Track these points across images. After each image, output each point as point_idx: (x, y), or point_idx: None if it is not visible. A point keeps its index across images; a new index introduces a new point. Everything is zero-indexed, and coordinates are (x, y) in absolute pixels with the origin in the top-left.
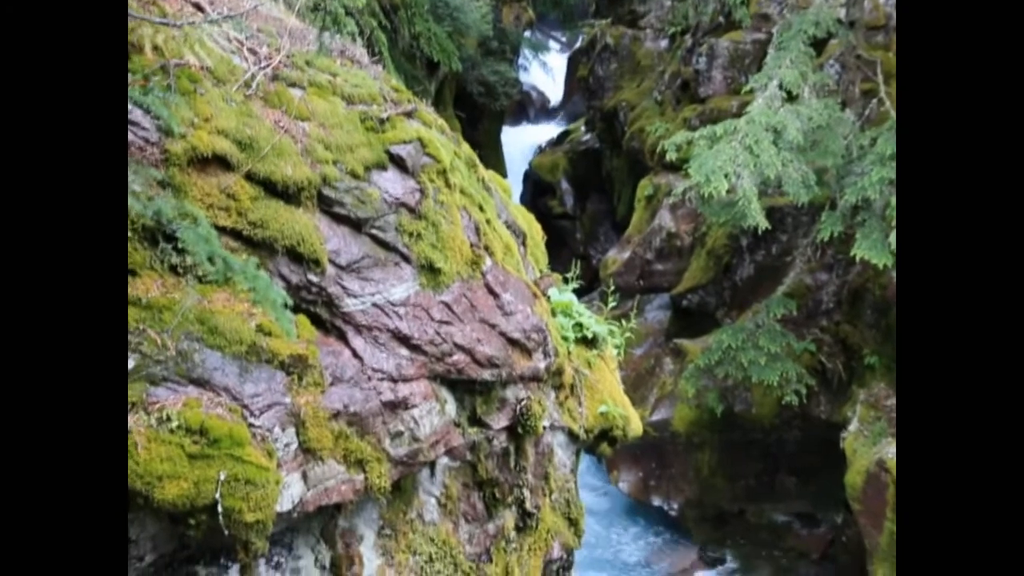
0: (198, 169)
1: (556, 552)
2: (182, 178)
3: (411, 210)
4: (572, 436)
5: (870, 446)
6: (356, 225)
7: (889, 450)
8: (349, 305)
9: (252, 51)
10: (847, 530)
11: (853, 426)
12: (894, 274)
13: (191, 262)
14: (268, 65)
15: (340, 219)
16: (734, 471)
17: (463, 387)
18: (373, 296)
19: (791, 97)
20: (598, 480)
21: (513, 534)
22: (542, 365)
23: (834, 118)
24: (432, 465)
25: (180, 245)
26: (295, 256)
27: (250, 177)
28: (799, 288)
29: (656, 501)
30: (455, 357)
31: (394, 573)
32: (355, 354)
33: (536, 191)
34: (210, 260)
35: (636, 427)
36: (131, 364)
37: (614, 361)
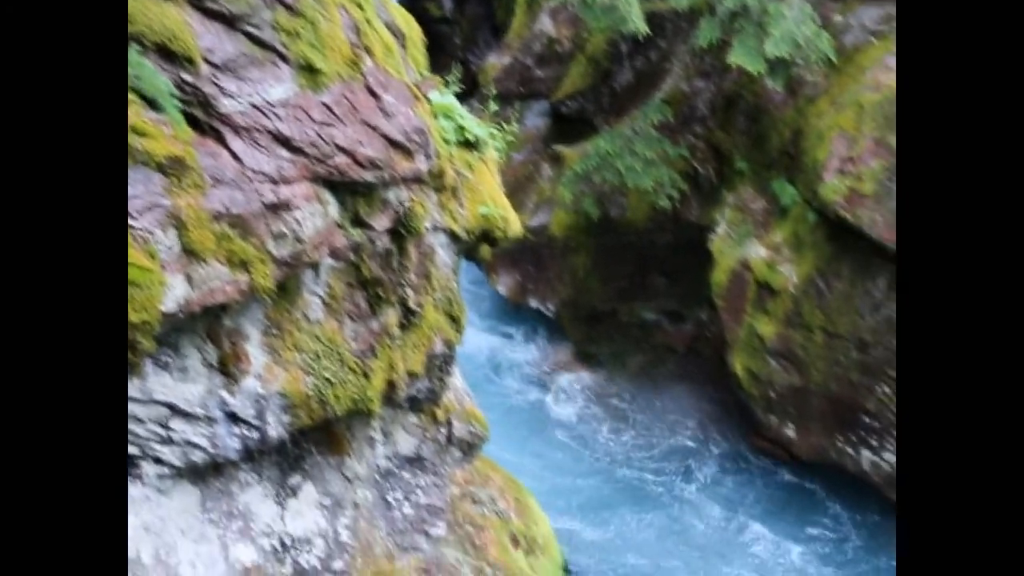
0: None
1: (438, 347)
2: None
3: (288, 7)
4: (453, 237)
5: (735, 247)
6: (230, 22)
7: (752, 250)
8: (226, 106)
9: None
10: (710, 326)
11: (721, 228)
12: (767, 82)
13: None
14: None
15: (213, 15)
16: (608, 273)
17: (345, 189)
18: (251, 97)
19: None
20: (478, 284)
21: (397, 331)
22: (424, 167)
23: None
24: (316, 266)
25: None
26: (167, 54)
27: None
28: (676, 95)
29: (533, 303)
30: (336, 159)
31: (281, 370)
32: (234, 156)
33: None
34: None
35: (516, 228)
36: None
37: (495, 164)
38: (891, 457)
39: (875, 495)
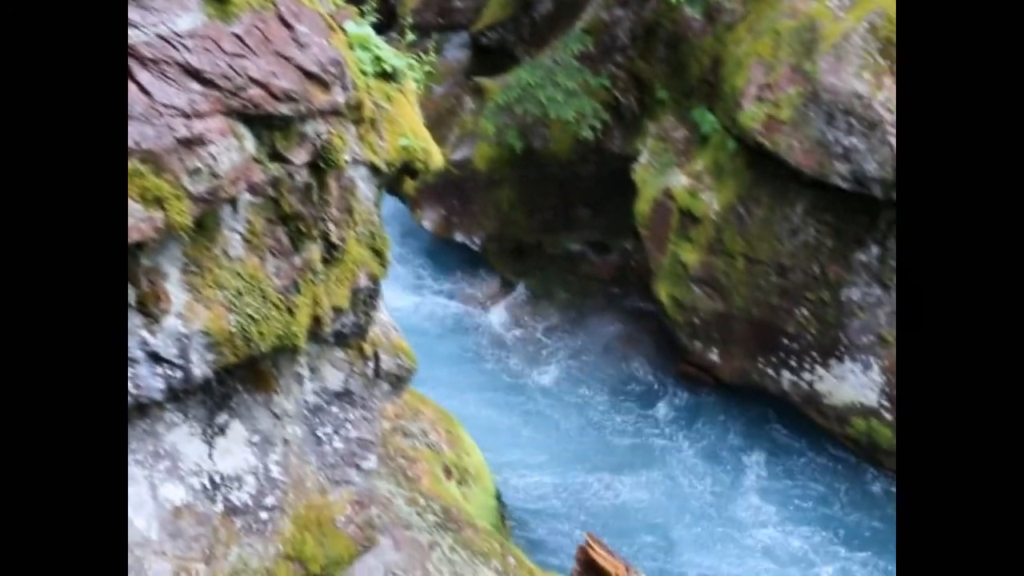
0: None
1: (363, 281)
2: None
3: None
4: (374, 170)
5: (658, 176)
6: None
7: (674, 179)
8: (131, 36)
9: None
10: (635, 255)
11: (643, 158)
12: (686, 9)
13: None
14: None
15: None
16: (532, 205)
17: (261, 123)
18: (156, 27)
19: None
20: (402, 219)
21: (320, 266)
22: (341, 99)
23: None
24: (234, 202)
25: None
26: None
27: None
28: (596, 24)
29: (459, 237)
30: (250, 92)
31: (203, 308)
32: (142, 89)
33: None
34: None
35: (437, 159)
36: None
37: (414, 95)
38: (809, 377)
39: (795, 413)
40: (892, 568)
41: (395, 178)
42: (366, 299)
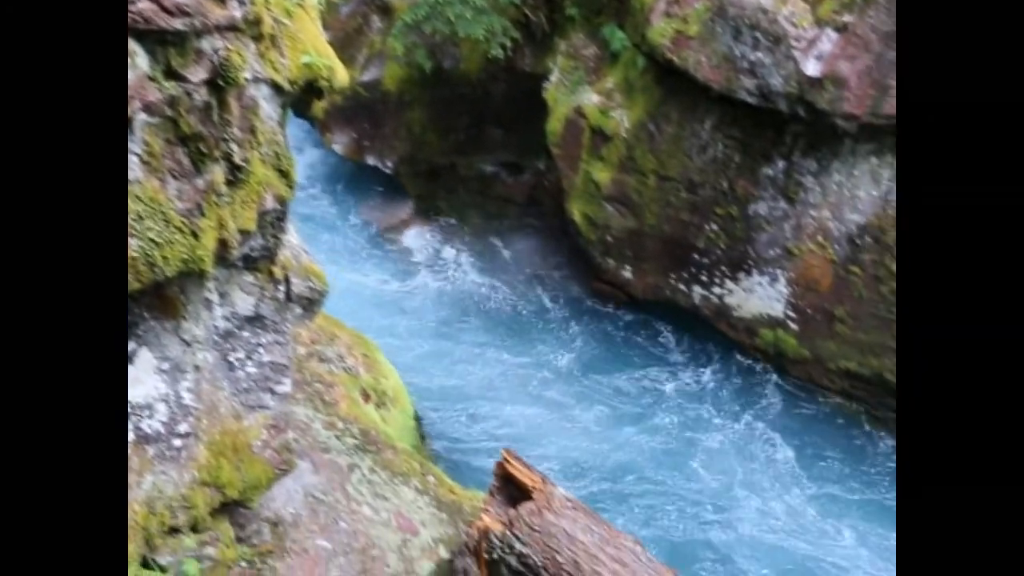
0: None
1: (269, 203)
2: None
3: None
4: (276, 88)
5: (569, 95)
6: None
7: (585, 97)
8: None
9: None
10: (548, 175)
11: (554, 76)
12: None
13: None
14: None
15: None
16: (444, 126)
17: (154, 39)
18: None
19: None
20: (313, 143)
21: (224, 188)
22: (238, 14)
23: None
24: (130, 122)
25: None
26: None
27: None
28: None
29: (371, 160)
30: (140, 5)
31: None
32: None
33: None
34: None
35: (342, 77)
36: None
37: (315, 10)
38: (719, 291)
39: (706, 326)
40: (792, 458)
41: (301, 99)
42: (273, 221)
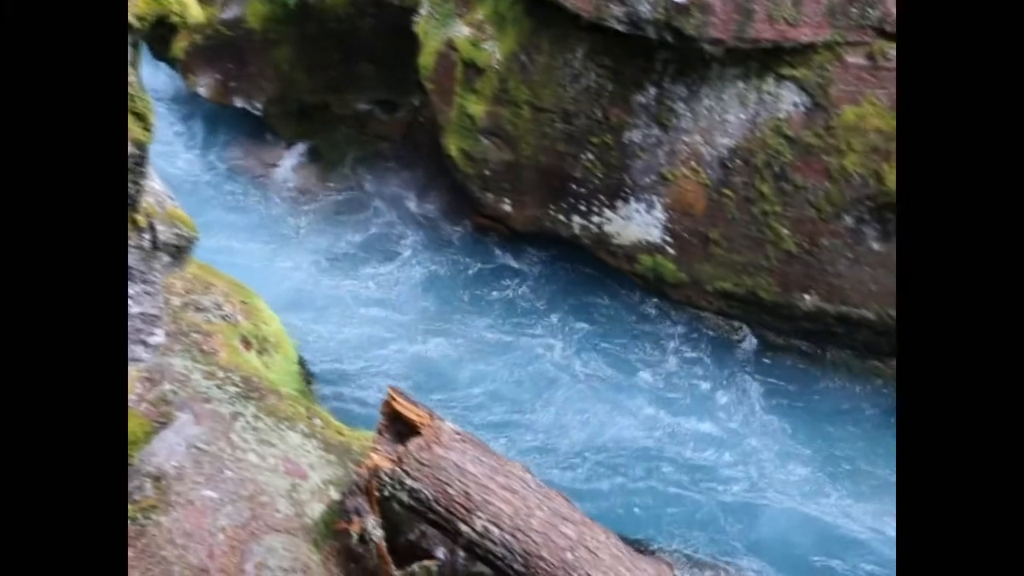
0: None
1: (128, 148)
2: None
3: None
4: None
5: (439, 27)
6: None
7: (456, 30)
8: None
9: None
10: (423, 111)
11: (424, 9)
12: None
13: None
14: None
15: None
16: (313, 64)
17: None
18: None
19: None
20: (176, 86)
21: None
22: None
23: None
24: None
25: None
26: None
27: None
28: None
29: (238, 102)
30: None
31: None
32: None
33: None
34: None
35: (196, 13)
36: None
37: None
38: (598, 220)
39: (587, 256)
40: (670, 368)
41: (155, 37)
42: (133, 167)
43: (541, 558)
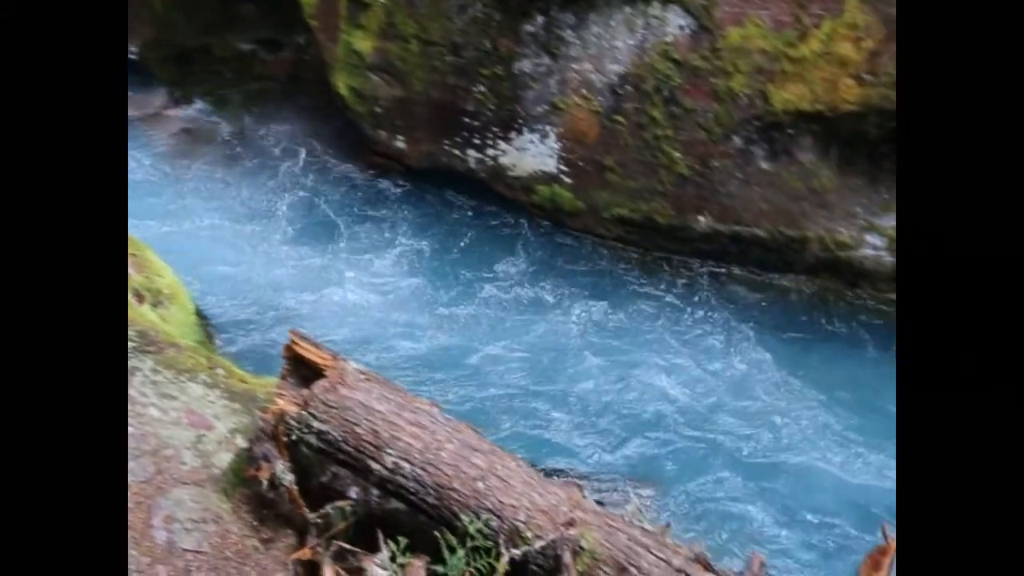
0: None
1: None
2: None
3: None
4: None
5: None
6: None
7: None
8: None
9: None
10: (309, 49)
11: None
12: None
13: None
14: None
15: None
16: (190, 5)
17: None
18: None
19: None
20: None
21: None
22: None
23: None
24: None
25: None
26: None
27: None
28: None
29: None
30: None
31: None
32: None
33: None
34: None
35: None
36: None
37: None
38: (493, 152)
39: (484, 189)
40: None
41: None
42: None
43: (453, 489)
